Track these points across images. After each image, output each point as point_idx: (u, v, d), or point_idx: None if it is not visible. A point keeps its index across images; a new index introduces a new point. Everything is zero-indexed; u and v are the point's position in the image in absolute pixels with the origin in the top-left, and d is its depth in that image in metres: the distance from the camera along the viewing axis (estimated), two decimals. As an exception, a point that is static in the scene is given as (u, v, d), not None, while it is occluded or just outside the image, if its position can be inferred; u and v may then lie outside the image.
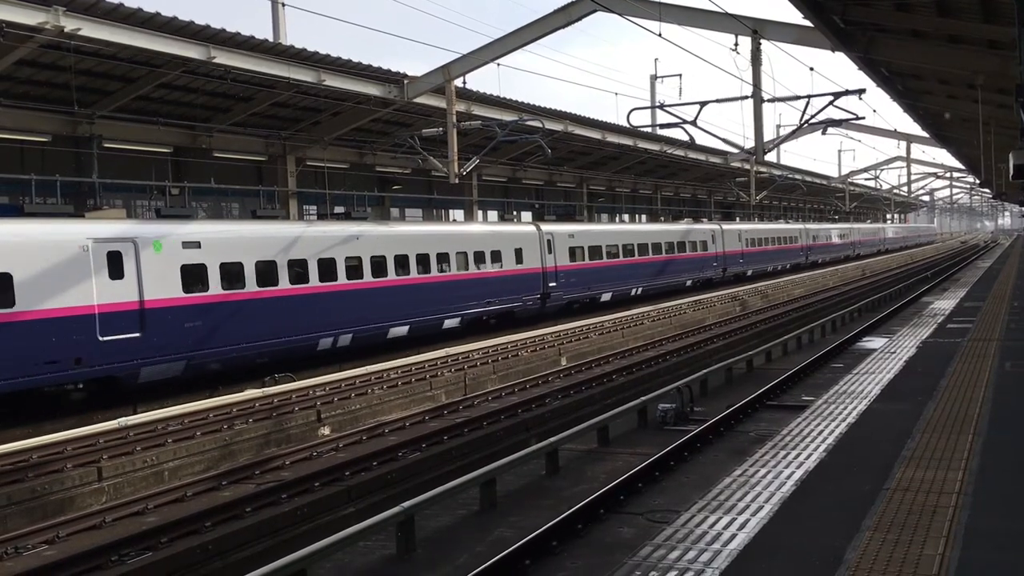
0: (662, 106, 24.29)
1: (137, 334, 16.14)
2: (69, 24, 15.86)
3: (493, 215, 37.23)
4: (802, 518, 6.56)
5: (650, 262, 36.02)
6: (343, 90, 22.43)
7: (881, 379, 12.48)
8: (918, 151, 64.89)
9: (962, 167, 62.36)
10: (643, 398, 14.97)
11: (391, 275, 22.33)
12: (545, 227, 29.69)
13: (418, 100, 24.24)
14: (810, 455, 8.53)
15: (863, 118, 25.81)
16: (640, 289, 35.41)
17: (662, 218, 47.67)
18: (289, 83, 20.93)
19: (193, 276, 17.43)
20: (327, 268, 20.50)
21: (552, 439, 12.08)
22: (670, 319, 28.79)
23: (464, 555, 9.07)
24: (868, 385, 12.09)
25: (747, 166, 45.48)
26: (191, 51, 18.27)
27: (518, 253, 27.57)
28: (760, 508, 7.03)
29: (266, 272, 19.00)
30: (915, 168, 73.17)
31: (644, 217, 51.63)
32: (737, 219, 53.19)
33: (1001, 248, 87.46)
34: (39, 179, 18.68)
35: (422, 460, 12.39)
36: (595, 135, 33.67)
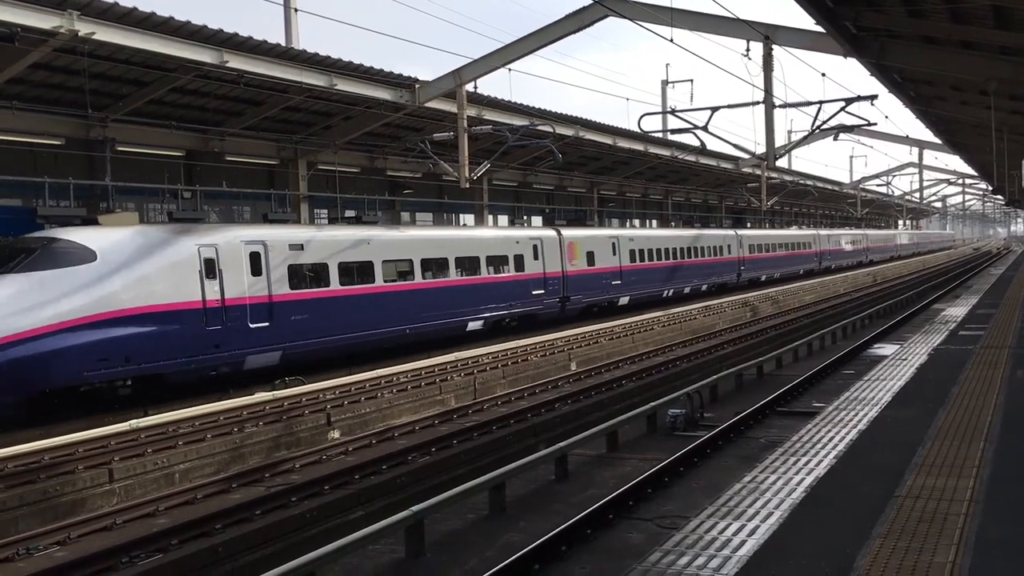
0: (673, 111, 24.28)
1: (620, 282, 32.22)
2: (83, 28, 15.94)
3: (503, 220, 37.28)
4: (812, 525, 6.55)
5: (786, 256, 51.64)
6: (354, 94, 22.49)
7: (892, 386, 12.44)
8: (930, 157, 64.65)
9: (975, 173, 62.10)
10: (653, 403, 14.95)
11: (671, 259, 36.73)
12: (738, 231, 45.36)
13: (429, 104, 24.27)
14: (820, 461, 8.51)
15: (875, 124, 25.72)
16: (779, 273, 49.96)
17: (796, 225, 65.65)
18: (301, 87, 21.00)
19: (634, 255, 33.33)
20: (657, 254, 35.47)
21: (561, 444, 12.07)
22: (680, 325, 28.76)
23: (473, 559, 9.07)
24: (879, 392, 12.05)
25: (758, 172, 45.42)
26: (204, 55, 18.35)
27: (729, 247, 43.14)
28: (770, 514, 7.01)
29: (648, 254, 34.53)
30: (927, 174, 72.91)
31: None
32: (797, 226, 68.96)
33: (1014, 255, 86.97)
34: (52, 182, 18.80)
35: (431, 464, 12.40)
36: (606, 140, 33.65)
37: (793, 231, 58.06)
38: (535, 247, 27.71)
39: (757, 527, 6.72)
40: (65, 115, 19.99)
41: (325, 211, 28.33)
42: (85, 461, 11.86)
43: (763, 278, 47.76)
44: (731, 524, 6.85)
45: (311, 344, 19.32)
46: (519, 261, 26.79)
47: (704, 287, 40.32)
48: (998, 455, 8.20)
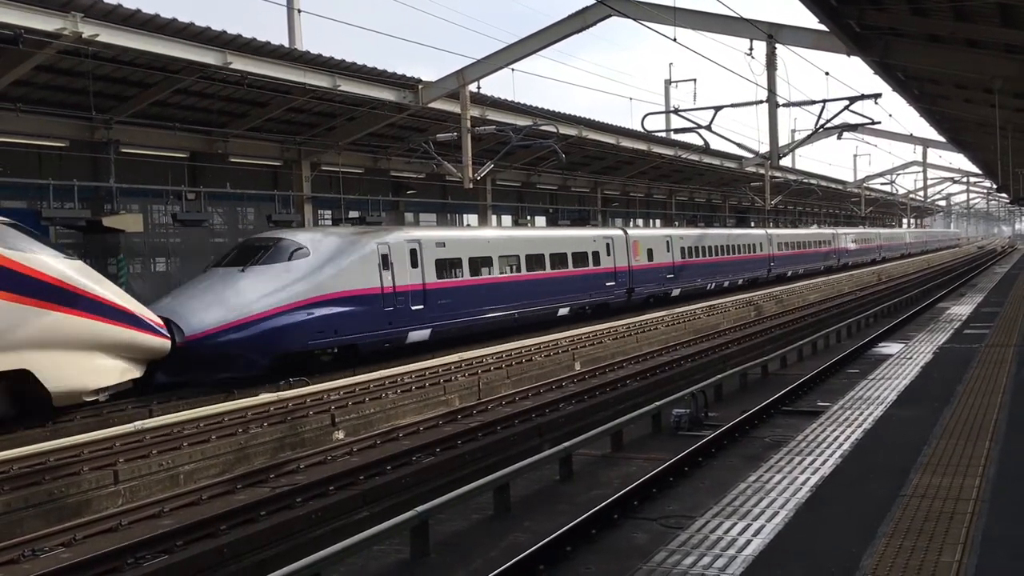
0: (677, 111, 24.35)
1: (673, 276, 36.32)
2: (87, 30, 15.97)
3: (507, 220, 37.29)
4: (818, 524, 6.53)
5: (810, 253, 55.56)
6: (358, 95, 22.51)
7: (897, 385, 12.41)
8: (934, 156, 64.74)
9: (979, 172, 62.01)
10: (657, 403, 14.92)
11: (714, 256, 40.84)
12: (768, 231, 49.34)
13: (432, 105, 24.29)
14: (826, 461, 8.49)
15: (879, 123, 25.71)
16: (803, 269, 53.95)
17: (816, 224, 72.30)
18: (304, 88, 21.02)
19: (683, 252, 37.29)
20: (702, 251, 39.53)
21: (566, 444, 12.06)
22: (684, 324, 28.72)
23: (478, 560, 9.07)
24: (884, 391, 12.03)
25: (762, 171, 45.39)
26: (207, 57, 18.38)
27: (761, 245, 46.92)
28: (775, 514, 7.00)
29: (695, 251, 38.64)
30: (931, 173, 72.93)
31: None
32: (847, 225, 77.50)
33: (1019, 253, 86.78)
34: (56, 184, 18.83)
35: (436, 464, 12.39)
36: (609, 140, 33.65)
37: (814, 230, 61.85)
38: (607, 245, 31.47)
39: (762, 527, 6.72)
40: (69, 117, 20.02)
41: (329, 212, 28.35)
42: (90, 462, 11.87)
43: (789, 273, 51.19)
44: (736, 524, 6.84)
45: (450, 323, 23.27)
46: (596, 257, 30.67)
47: (740, 281, 44.30)
48: (1004, 454, 8.18)
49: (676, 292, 36.84)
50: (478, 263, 24.90)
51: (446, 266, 23.49)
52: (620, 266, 32.08)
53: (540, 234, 29.91)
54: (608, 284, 31.40)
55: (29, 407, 14.38)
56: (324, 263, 19.57)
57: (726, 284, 42.35)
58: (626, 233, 33.29)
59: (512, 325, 26.02)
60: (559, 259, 28.70)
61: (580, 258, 29.83)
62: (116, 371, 15.20)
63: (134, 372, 15.74)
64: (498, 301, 25.37)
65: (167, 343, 16.15)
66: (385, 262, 21.01)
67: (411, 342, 21.97)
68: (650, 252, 34.55)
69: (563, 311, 28.91)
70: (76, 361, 14.48)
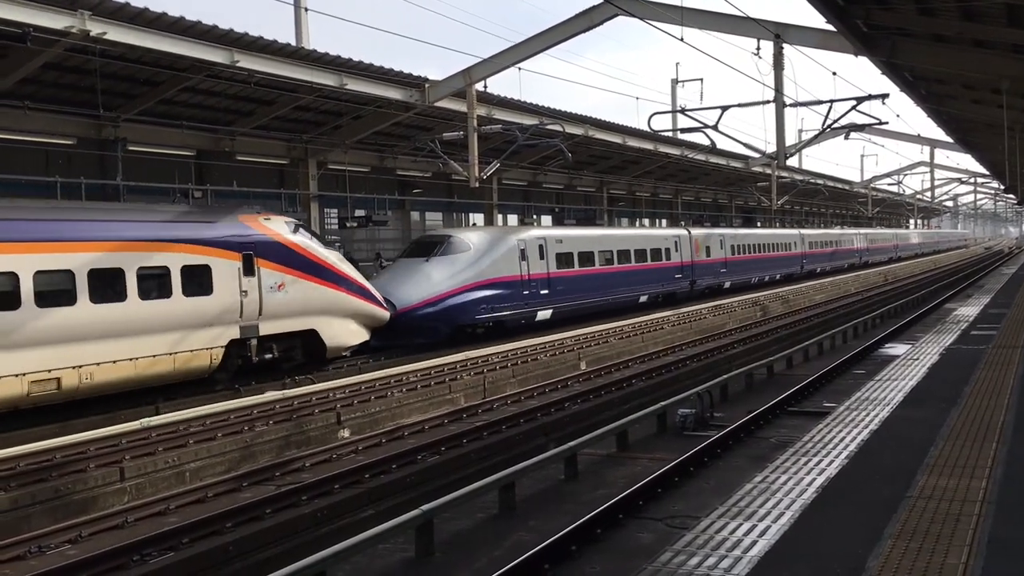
0: (683, 110, 24.28)
1: (726, 270, 40.87)
2: (95, 28, 15.99)
3: (513, 219, 37.28)
4: (823, 525, 6.52)
5: (836, 251, 58.94)
6: (365, 94, 22.51)
7: (904, 386, 12.38)
8: (942, 156, 64.53)
9: (986, 172, 61.86)
10: (663, 403, 14.89)
11: (757, 253, 44.69)
12: (802, 231, 53.15)
13: (439, 104, 24.28)
14: (832, 462, 8.48)
15: (886, 123, 25.61)
16: (830, 266, 57.35)
17: (839, 225, 76.51)
18: (311, 87, 21.03)
19: (733, 249, 41.78)
20: (748, 248, 43.58)
21: (571, 443, 12.04)
22: (690, 324, 28.70)
23: (483, 559, 9.07)
24: (890, 392, 12.00)
25: (768, 171, 45.31)
26: (215, 55, 18.39)
27: (795, 244, 50.43)
28: (781, 515, 6.99)
29: (742, 248, 42.78)
30: (939, 173, 72.71)
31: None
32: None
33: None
34: (64, 181, 18.86)
35: (441, 463, 12.39)
36: (615, 139, 33.60)
37: (840, 231, 66.15)
38: (675, 242, 36.04)
39: (768, 527, 6.70)
40: (77, 115, 20.05)
41: (335, 210, 28.36)
42: (96, 460, 11.90)
43: (818, 269, 55.03)
44: (742, 524, 6.83)
45: (565, 306, 28.13)
46: (667, 253, 35.31)
47: (778, 276, 47.83)
48: (1011, 455, 8.16)
49: (727, 284, 40.94)
50: (585, 257, 29.58)
51: (563, 259, 28.30)
52: (685, 261, 36.65)
53: (627, 233, 35.29)
54: (676, 276, 36.06)
55: (311, 358, 19.25)
56: (482, 255, 24.77)
57: (766, 278, 45.87)
58: (689, 232, 37.69)
59: (607, 309, 30.33)
60: (641, 254, 33.35)
61: (656, 254, 34.45)
62: (360, 334, 20.23)
63: (366, 336, 20.49)
64: (599, 288, 29.99)
65: (388, 314, 20.96)
66: (523, 255, 26.18)
67: (539, 320, 26.92)
68: (707, 249, 38.88)
69: (643, 298, 33.44)
70: (341, 325, 19.57)
